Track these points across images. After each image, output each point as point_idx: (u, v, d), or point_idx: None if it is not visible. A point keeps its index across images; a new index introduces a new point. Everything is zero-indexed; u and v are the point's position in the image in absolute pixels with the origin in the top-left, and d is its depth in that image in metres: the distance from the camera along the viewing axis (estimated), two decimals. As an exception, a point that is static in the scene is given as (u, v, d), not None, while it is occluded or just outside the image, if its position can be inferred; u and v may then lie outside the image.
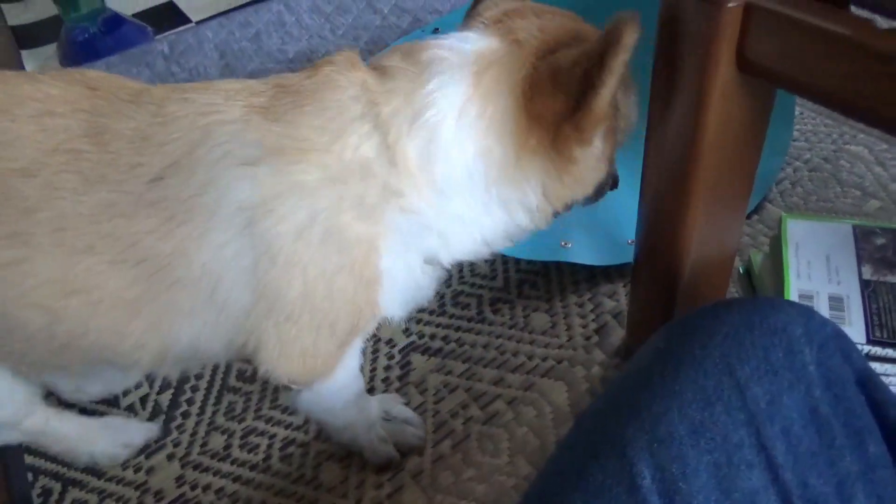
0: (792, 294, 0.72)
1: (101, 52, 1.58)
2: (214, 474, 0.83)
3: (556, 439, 0.80)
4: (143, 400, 0.91)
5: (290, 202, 0.56)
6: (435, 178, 0.59)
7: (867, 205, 1.00)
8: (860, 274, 0.73)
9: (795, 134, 1.11)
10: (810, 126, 1.14)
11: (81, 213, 0.56)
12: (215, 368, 0.94)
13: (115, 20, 1.66)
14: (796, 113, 1.12)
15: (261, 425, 0.87)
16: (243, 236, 0.57)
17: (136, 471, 0.84)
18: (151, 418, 0.89)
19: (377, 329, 0.94)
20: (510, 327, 0.93)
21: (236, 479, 0.83)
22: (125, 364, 0.64)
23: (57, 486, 0.84)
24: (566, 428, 0.81)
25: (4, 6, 1.95)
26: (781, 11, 0.48)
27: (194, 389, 0.92)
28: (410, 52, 0.60)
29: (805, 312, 0.50)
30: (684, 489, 0.41)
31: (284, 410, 0.88)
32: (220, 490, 0.82)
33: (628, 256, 0.88)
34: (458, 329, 0.94)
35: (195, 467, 0.84)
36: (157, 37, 1.68)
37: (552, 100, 0.57)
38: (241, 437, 0.86)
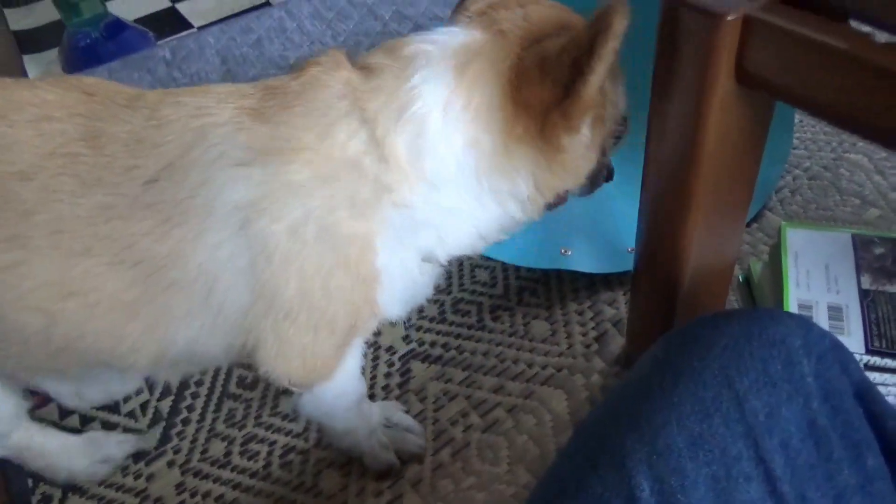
0: (791, 303, 0.72)
1: (103, 58, 1.59)
2: (214, 481, 0.83)
3: (556, 448, 0.80)
4: (144, 406, 0.92)
5: (282, 201, 0.56)
6: (425, 172, 0.59)
7: (867, 213, 1.00)
8: (859, 283, 0.73)
9: (795, 142, 1.12)
10: (810, 134, 1.14)
11: (78, 216, 0.57)
12: (216, 375, 0.94)
13: (117, 25, 1.67)
14: (796, 121, 1.12)
15: (261, 432, 0.87)
16: (238, 236, 0.57)
17: (137, 477, 0.84)
18: (152, 425, 0.89)
19: (377, 336, 0.94)
20: (510, 335, 0.93)
21: (236, 487, 0.83)
22: (122, 367, 0.64)
23: (57, 493, 0.84)
24: (566, 436, 0.81)
25: (7, 11, 1.96)
26: (780, 25, 0.48)
27: (195, 396, 0.92)
28: (393, 48, 0.61)
29: (804, 324, 0.50)
30: (683, 502, 0.41)
31: (285, 418, 0.88)
32: (220, 497, 0.82)
33: (628, 264, 0.88)
34: (458, 336, 0.94)
35: (195, 474, 0.84)
36: (159, 42, 1.68)
37: (540, 88, 0.58)
38: (242, 445, 0.86)
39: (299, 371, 0.64)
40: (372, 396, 0.89)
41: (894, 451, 0.46)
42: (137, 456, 0.86)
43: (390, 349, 0.93)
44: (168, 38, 1.70)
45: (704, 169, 0.61)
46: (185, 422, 0.89)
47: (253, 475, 0.83)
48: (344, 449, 0.81)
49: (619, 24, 0.52)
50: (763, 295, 0.81)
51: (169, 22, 1.80)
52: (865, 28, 0.47)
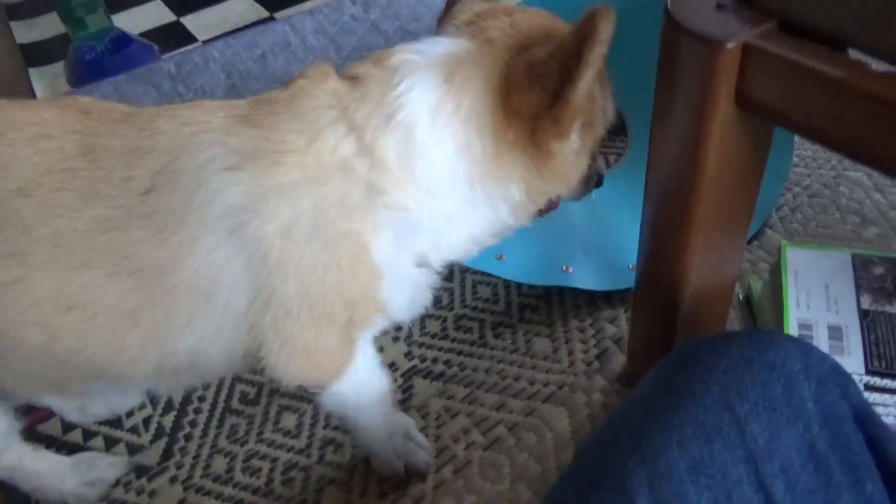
0: (791, 323, 0.73)
1: (109, 71, 1.60)
2: (216, 498, 0.83)
3: (557, 466, 0.81)
4: (147, 421, 0.92)
5: (273, 203, 0.57)
6: (417, 176, 0.60)
7: (866, 231, 1.01)
8: (859, 303, 0.73)
9: (795, 159, 1.12)
10: (810, 152, 1.15)
11: (77, 230, 0.58)
12: (218, 390, 0.94)
13: (123, 39, 1.68)
14: (796, 139, 1.13)
15: (263, 448, 0.87)
16: (233, 239, 0.58)
17: (139, 493, 0.85)
18: (154, 440, 0.90)
19: (379, 352, 0.94)
20: (512, 352, 0.93)
21: (238, 503, 0.83)
22: (123, 378, 0.65)
23: (59, 509, 0.84)
24: (567, 454, 0.81)
25: (13, 24, 1.98)
26: (779, 53, 0.49)
27: (197, 411, 0.92)
28: (380, 59, 0.62)
29: (803, 347, 0.50)
30: (684, 526, 0.42)
31: (287, 434, 0.88)
32: (221, 513, 0.82)
33: (629, 281, 0.89)
34: (460, 353, 0.94)
35: (197, 490, 0.84)
36: (164, 56, 1.70)
37: (529, 94, 0.59)
38: (244, 461, 0.87)
39: (306, 369, 0.65)
40: (374, 413, 0.89)
41: (894, 477, 0.46)
42: (140, 472, 0.87)
43: (392, 365, 0.94)
44: (173, 52, 1.71)
45: (705, 191, 0.61)
46: (188, 437, 0.90)
47: (255, 492, 0.83)
48: (359, 444, 0.81)
49: (605, 30, 0.53)
50: (763, 314, 0.82)
51: (174, 35, 1.82)
52: (862, 57, 0.48)
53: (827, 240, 1.00)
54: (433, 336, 0.97)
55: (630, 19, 1.01)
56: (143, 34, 1.80)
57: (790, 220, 1.04)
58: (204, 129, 0.59)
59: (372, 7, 1.66)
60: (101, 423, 0.92)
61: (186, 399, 0.94)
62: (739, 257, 0.78)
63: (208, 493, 0.84)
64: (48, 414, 0.92)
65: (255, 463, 0.86)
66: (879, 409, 0.68)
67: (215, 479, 0.85)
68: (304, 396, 0.92)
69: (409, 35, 1.55)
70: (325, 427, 0.88)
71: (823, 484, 0.44)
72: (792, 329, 0.72)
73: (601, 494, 0.44)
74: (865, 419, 0.48)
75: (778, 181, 1.04)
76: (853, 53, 0.49)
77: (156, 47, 1.73)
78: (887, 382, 0.68)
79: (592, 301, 0.97)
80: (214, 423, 0.91)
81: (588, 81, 0.56)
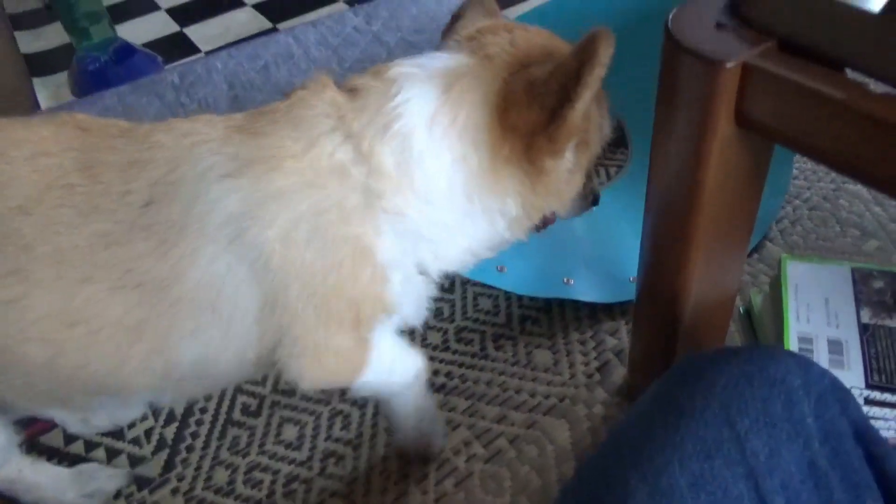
0: (792, 337, 0.73)
1: (112, 81, 1.61)
2: (218, 509, 0.84)
3: (558, 478, 0.81)
4: (149, 433, 0.92)
5: (271, 208, 0.58)
6: (416, 185, 0.61)
7: (866, 244, 1.01)
8: (859, 317, 0.74)
9: (795, 172, 1.13)
10: (810, 165, 1.15)
11: (78, 245, 0.58)
12: (220, 402, 0.94)
13: (126, 49, 1.70)
14: (796, 151, 1.14)
15: (264, 461, 0.88)
16: (233, 248, 0.58)
17: (140, 505, 0.85)
18: (156, 451, 0.90)
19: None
20: (513, 364, 0.94)
21: (239, 515, 0.83)
22: (129, 390, 0.65)
23: (61, 520, 0.84)
24: (568, 467, 0.82)
25: (17, 34, 1.99)
26: (778, 73, 0.49)
27: (199, 423, 0.93)
28: (378, 71, 0.63)
29: (803, 363, 0.50)
30: (685, 543, 0.42)
31: (288, 446, 0.89)
32: (223, 525, 0.82)
33: (630, 294, 0.89)
34: (461, 365, 0.95)
35: (199, 502, 0.84)
36: (167, 66, 1.71)
37: (527, 111, 0.60)
38: (245, 473, 0.87)
39: (321, 372, 0.66)
40: (375, 424, 0.89)
41: (893, 493, 0.46)
42: (141, 483, 0.87)
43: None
44: (176, 63, 1.72)
45: (705, 206, 0.62)
46: (190, 449, 0.90)
47: None
48: (391, 420, 0.83)
49: (605, 53, 0.54)
50: (764, 327, 0.82)
51: (177, 45, 1.83)
52: (860, 78, 0.48)
53: (827, 252, 1.01)
54: (434, 348, 0.97)
55: (631, 32, 1.02)
56: (146, 44, 1.81)
57: (790, 233, 1.05)
58: (203, 140, 0.60)
59: (374, 19, 1.67)
60: (103, 435, 0.93)
61: (188, 411, 0.94)
62: (740, 270, 0.78)
63: (210, 505, 0.84)
64: (50, 425, 0.93)
65: (257, 475, 0.86)
66: (880, 424, 0.68)
67: (217, 491, 0.85)
68: (305, 408, 0.92)
69: (411, 47, 1.56)
70: (326, 439, 0.89)
71: (823, 501, 0.45)
72: (792, 343, 0.72)
73: (603, 511, 0.45)
74: (865, 435, 0.49)
75: (778, 194, 1.05)
76: (851, 74, 0.49)
77: (159, 58, 1.74)
78: (887, 396, 0.68)
79: (593, 313, 0.98)
80: (216, 434, 0.91)
81: (585, 102, 0.57)
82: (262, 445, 0.89)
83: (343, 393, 0.93)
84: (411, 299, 0.68)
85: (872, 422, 0.65)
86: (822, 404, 0.48)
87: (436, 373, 0.94)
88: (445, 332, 0.99)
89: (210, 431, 0.91)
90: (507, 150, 0.61)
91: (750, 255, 1.01)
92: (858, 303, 0.75)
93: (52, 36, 1.92)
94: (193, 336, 0.61)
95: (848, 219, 1.05)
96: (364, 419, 0.90)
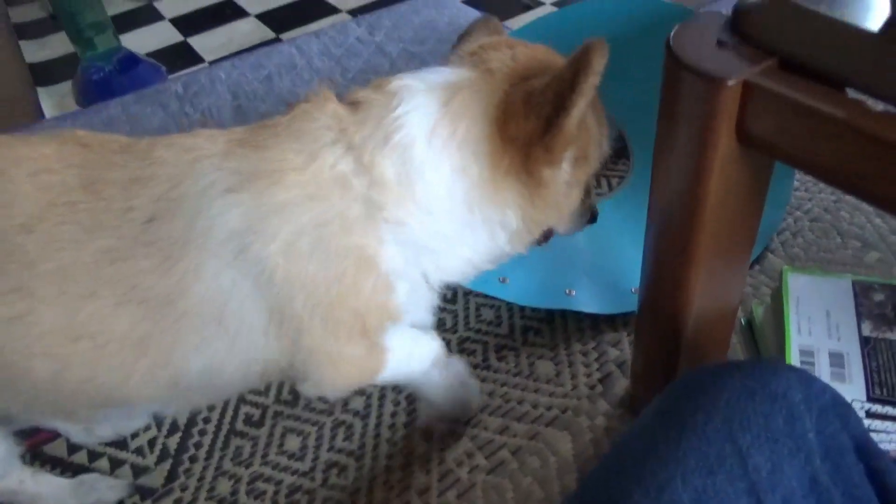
0: (793, 349, 0.73)
1: (116, 91, 1.62)
2: (221, 520, 0.84)
3: (561, 490, 0.81)
4: (152, 443, 0.92)
5: (273, 222, 0.58)
6: (417, 196, 0.61)
7: (867, 256, 1.02)
8: (860, 330, 0.74)
9: (796, 183, 1.13)
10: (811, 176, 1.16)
11: (82, 262, 0.58)
12: (223, 412, 0.95)
13: (131, 59, 1.71)
14: (796, 163, 1.14)
15: (267, 471, 0.88)
16: (238, 263, 0.59)
17: (144, 515, 0.85)
18: (159, 461, 0.90)
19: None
20: (515, 375, 0.94)
21: (242, 526, 0.83)
22: (134, 401, 0.66)
23: (64, 530, 0.85)
24: (570, 479, 0.82)
25: (22, 43, 2.00)
26: (779, 91, 0.50)
27: (202, 433, 0.93)
28: (380, 85, 0.64)
29: (804, 378, 0.51)
30: (688, 559, 0.42)
31: (291, 457, 0.89)
32: (226, 536, 0.82)
33: (632, 305, 0.90)
34: (463, 376, 0.95)
35: (202, 513, 0.85)
36: (171, 76, 1.72)
37: (525, 122, 0.61)
38: (248, 483, 0.87)
39: (340, 377, 0.67)
40: (378, 435, 0.89)
41: (894, 509, 0.47)
42: (144, 493, 0.87)
43: (396, 387, 0.94)
44: (180, 73, 1.73)
45: (706, 221, 0.62)
46: (193, 459, 0.90)
47: (259, 514, 0.84)
48: (419, 397, 0.86)
49: (599, 62, 0.56)
50: (765, 339, 0.82)
51: (181, 55, 1.84)
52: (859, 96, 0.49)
53: (828, 264, 1.01)
54: (437, 358, 0.97)
55: (632, 42, 1.03)
56: (150, 54, 1.83)
57: (791, 245, 1.05)
58: (205, 155, 0.61)
59: (377, 29, 1.68)
60: (106, 445, 0.93)
61: (191, 421, 0.94)
62: (741, 283, 0.78)
63: (213, 516, 0.84)
64: (54, 435, 0.93)
65: (260, 485, 0.86)
66: (881, 437, 0.68)
67: (220, 502, 0.85)
68: (308, 419, 0.93)
69: (413, 57, 1.57)
70: (329, 450, 0.89)
71: (825, 516, 0.45)
72: (794, 356, 0.72)
73: (605, 526, 0.45)
74: (866, 450, 0.49)
75: (780, 206, 1.05)
76: (851, 92, 0.50)
77: (163, 68, 1.75)
78: (888, 410, 0.68)
79: (595, 324, 0.98)
80: (219, 445, 0.91)
81: (580, 110, 0.58)
82: (265, 456, 0.89)
83: (346, 403, 0.93)
84: (418, 307, 0.69)
85: (874, 435, 0.65)
86: (824, 419, 0.48)
87: (438, 384, 0.94)
88: (448, 343, 0.99)
89: (213, 442, 0.92)
90: (506, 162, 0.62)
91: (751, 266, 1.02)
92: (859, 316, 0.75)
93: (57, 45, 1.93)
94: (199, 349, 0.62)
95: (849, 230, 1.06)
96: (367, 430, 0.90)
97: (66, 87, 1.74)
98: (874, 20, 0.49)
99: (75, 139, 0.63)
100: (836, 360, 0.72)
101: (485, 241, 0.67)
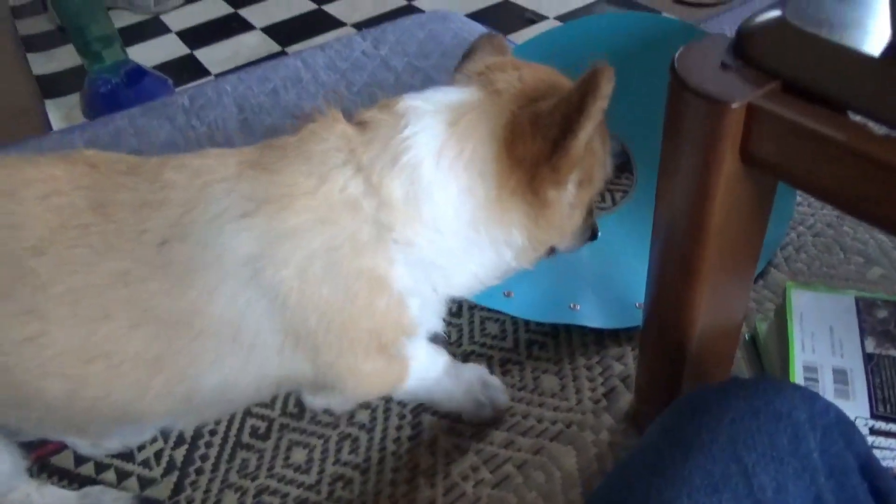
0: (797, 366, 0.74)
1: (123, 104, 1.64)
2: (227, 534, 0.84)
3: (565, 505, 0.81)
4: (158, 455, 0.93)
5: (286, 247, 0.59)
6: (425, 216, 0.62)
7: (870, 272, 1.02)
8: (863, 347, 0.74)
9: (799, 199, 1.14)
10: (813, 191, 1.16)
11: (95, 284, 0.59)
12: (229, 425, 0.95)
13: (138, 72, 1.72)
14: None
15: (273, 484, 0.88)
16: (251, 287, 0.60)
17: (150, 528, 0.85)
18: (166, 474, 0.91)
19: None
20: (520, 389, 0.94)
21: (248, 539, 0.84)
22: (147, 418, 0.67)
23: (71, 543, 0.85)
24: (575, 493, 0.82)
25: (30, 56, 2.02)
26: (782, 114, 0.51)
27: (208, 445, 0.93)
28: (388, 105, 0.65)
29: (809, 396, 0.51)
30: (693, 578, 0.43)
31: (297, 469, 0.89)
32: (232, 550, 0.83)
33: (637, 320, 0.90)
34: (468, 390, 0.95)
35: (208, 526, 0.85)
36: (178, 89, 1.74)
37: (532, 143, 0.62)
38: (254, 496, 0.87)
39: (365, 388, 0.70)
40: (384, 448, 0.90)
41: (898, 528, 0.47)
42: (151, 506, 0.88)
43: (401, 401, 0.95)
44: (186, 85, 1.75)
45: (711, 239, 0.63)
46: (199, 471, 0.90)
47: (265, 528, 0.84)
48: (445, 410, 0.89)
49: (606, 86, 0.57)
50: (769, 354, 0.83)
51: (187, 67, 1.86)
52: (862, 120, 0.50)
53: (831, 279, 1.02)
54: (442, 372, 0.98)
55: (635, 58, 1.04)
56: (157, 67, 1.84)
57: (795, 260, 1.06)
58: (216, 179, 0.61)
59: (382, 43, 1.70)
60: (113, 456, 0.93)
61: (198, 433, 0.95)
62: (746, 299, 0.79)
63: (219, 529, 0.85)
64: (61, 446, 0.93)
65: (266, 499, 0.87)
66: (885, 454, 0.69)
67: (226, 515, 0.86)
68: (314, 432, 0.93)
69: (417, 71, 1.58)
70: (334, 463, 0.89)
71: (830, 536, 0.45)
72: (797, 372, 0.73)
73: (612, 545, 0.45)
74: (870, 469, 0.49)
75: (783, 221, 1.06)
76: (853, 116, 0.50)
77: (170, 80, 1.77)
78: (892, 427, 0.68)
79: (600, 339, 0.99)
80: (225, 457, 0.92)
81: (587, 133, 0.59)
82: (270, 468, 0.90)
83: (351, 416, 0.94)
84: (430, 317, 0.71)
85: (877, 451, 0.66)
86: (828, 438, 0.49)
87: (443, 397, 0.95)
88: (453, 357, 0.99)
89: (219, 454, 0.92)
90: (513, 183, 0.63)
91: (755, 281, 1.02)
92: (862, 332, 0.76)
93: (65, 58, 1.95)
94: (214, 365, 0.63)
95: (852, 246, 1.06)
96: (372, 443, 0.91)
97: (73, 99, 1.76)
98: (875, 45, 0.49)
99: (84, 160, 0.64)
100: (840, 376, 0.72)
101: (491, 258, 0.68)
